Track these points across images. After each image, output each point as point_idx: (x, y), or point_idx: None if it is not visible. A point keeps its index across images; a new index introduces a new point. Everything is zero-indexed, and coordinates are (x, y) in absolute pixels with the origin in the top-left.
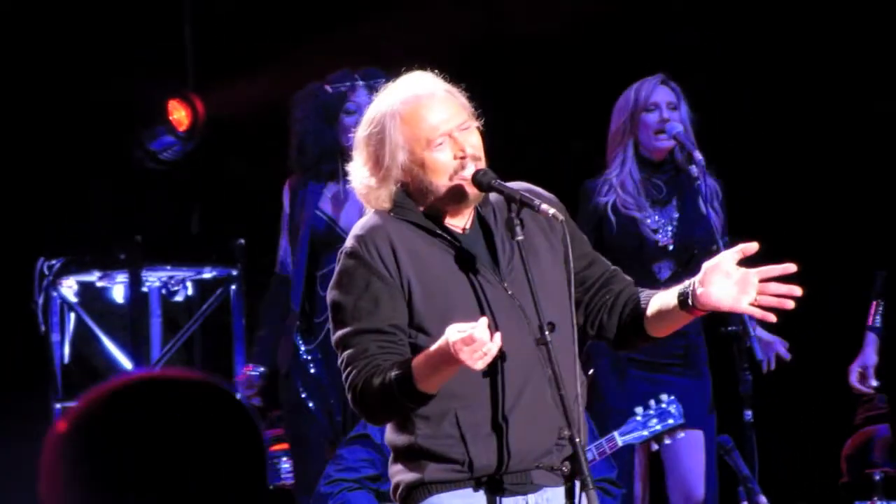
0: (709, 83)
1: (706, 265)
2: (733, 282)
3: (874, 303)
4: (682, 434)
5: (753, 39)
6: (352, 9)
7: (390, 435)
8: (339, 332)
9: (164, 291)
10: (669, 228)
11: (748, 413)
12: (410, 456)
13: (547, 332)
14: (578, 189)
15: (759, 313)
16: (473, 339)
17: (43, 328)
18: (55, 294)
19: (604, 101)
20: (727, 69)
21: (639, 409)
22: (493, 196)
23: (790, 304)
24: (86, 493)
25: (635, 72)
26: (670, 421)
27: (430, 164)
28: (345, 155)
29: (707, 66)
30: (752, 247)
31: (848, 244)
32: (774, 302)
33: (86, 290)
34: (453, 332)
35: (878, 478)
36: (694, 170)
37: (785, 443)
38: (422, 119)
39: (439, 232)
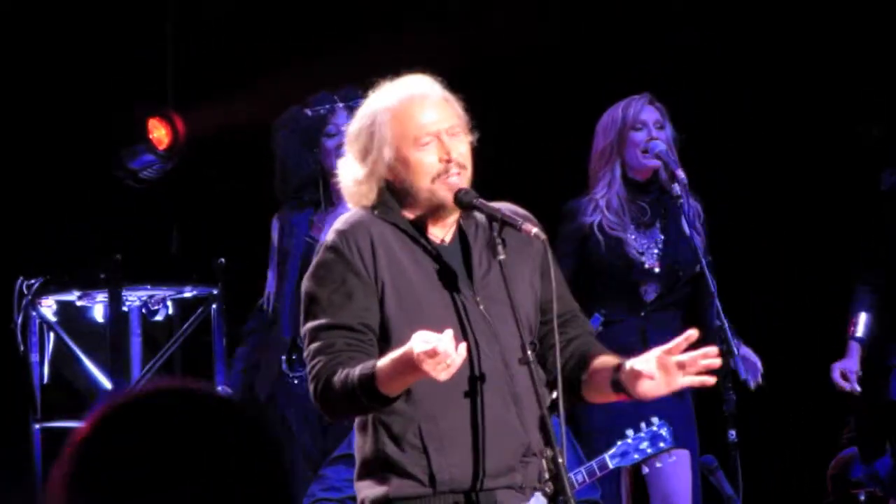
0: (709, 83)
1: (629, 369)
2: (657, 374)
3: (858, 315)
4: (672, 458)
5: (753, 39)
6: (333, 30)
7: (357, 449)
8: (310, 324)
9: (144, 311)
10: (655, 251)
11: (732, 433)
12: (376, 469)
13: (529, 352)
14: (561, 208)
15: (696, 382)
16: (437, 353)
17: (22, 348)
18: (34, 314)
19: (601, 106)
20: (727, 69)
21: (629, 432)
22: (480, 215)
23: (717, 363)
24: None
25: (635, 73)
26: (661, 444)
27: (414, 163)
28: (326, 179)
29: (707, 66)
30: (679, 348)
31: (834, 263)
32: (702, 367)
33: (65, 309)
34: (418, 342)
35: (862, 497)
36: (676, 188)
37: (769, 462)
38: (412, 117)
39: (420, 239)
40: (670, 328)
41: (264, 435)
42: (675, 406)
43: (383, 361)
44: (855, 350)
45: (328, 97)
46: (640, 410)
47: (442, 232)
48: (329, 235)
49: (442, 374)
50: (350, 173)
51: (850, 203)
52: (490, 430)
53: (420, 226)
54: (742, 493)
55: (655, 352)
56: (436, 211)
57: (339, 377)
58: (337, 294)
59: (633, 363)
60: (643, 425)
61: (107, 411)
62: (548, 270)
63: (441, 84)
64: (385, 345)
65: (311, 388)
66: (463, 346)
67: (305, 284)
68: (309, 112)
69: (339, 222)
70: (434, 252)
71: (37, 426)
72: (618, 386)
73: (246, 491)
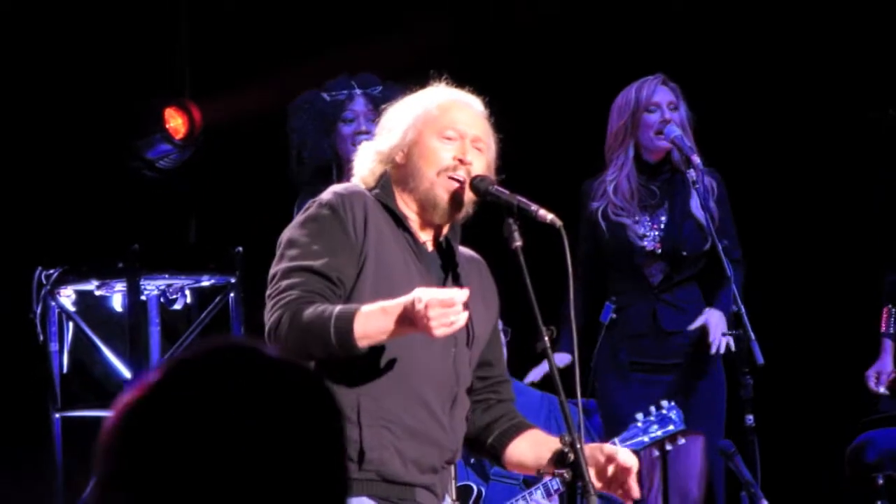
0: (722, 68)
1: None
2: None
3: (886, 308)
4: (682, 440)
5: (753, 40)
6: (350, 16)
7: None
8: (287, 264)
9: (162, 300)
10: (656, 233)
11: (749, 417)
12: None
13: (546, 338)
14: (579, 189)
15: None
16: (454, 303)
17: (41, 338)
18: (53, 303)
19: (603, 100)
20: (742, 54)
21: (639, 416)
22: (465, 251)
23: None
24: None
25: (634, 70)
26: (671, 427)
27: (428, 150)
28: (341, 165)
29: (721, 52)
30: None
31: (853, 246)
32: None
33: (84, 298)
34: (427, 292)
35: (880, 481)
36: (692, 173)
37: (787, 447)
38: (448, 112)
39: (408, 227)
40: (683, 304)
41: (326, 399)
42: (697, 385)
43: (368, 307)
44: (888, 348)
45: (346, 82)
46: (657, 390)
47: (426, 237)
48: (326, 195)
49: (441, 329)
50: (373, 146)
51: (868, 192)
52: (426, 427)
53: (410, 220)
54: (760, 478)
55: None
56: (428, 208)
57: (312, 310)
58: (323, 245)
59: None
60: (653, 408)
61: (157, 379)
62: (497, 334)
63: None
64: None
65: (274, 316)
66: (465, 314)
67: (289, 232)
68: (326, 97)
69: (339, 187)
70: (417, 248)
71: (56, 415)
72: (562, 460)
73: (304, 455)
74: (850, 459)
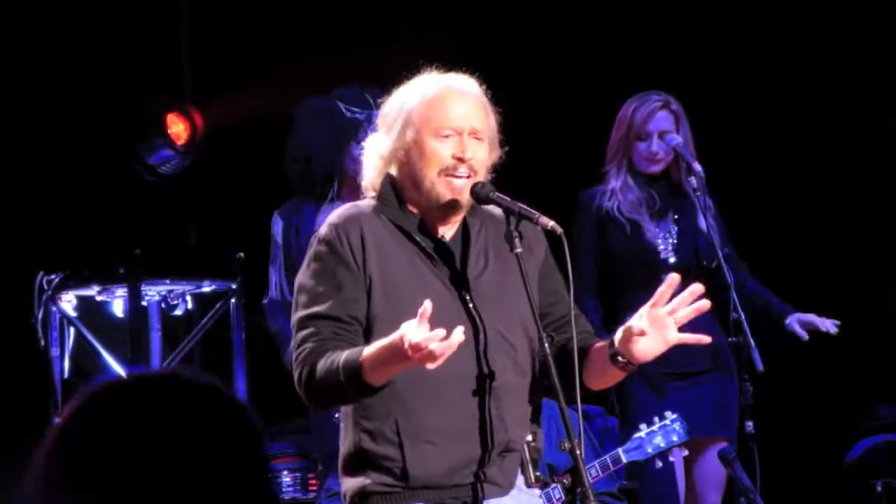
0: (709, 86)
1: (622, 332)
2: (651, 329)
3: None
4: (685, 452)
5: (752, 42)
6: (351, 22)
7: (340, 443)
8: (299, 314)
9: (163, 305)
10: (670, 242)
11: (749, 424)
12: (354, 463)
13: (547, 345)
14: (576, 199)
15: (692, 339)
16: (422, 348)
17: (42, 343)
18: (54, 309)
19: (603, 108)
20: (728, 70)
21: (643, 426)
22: (490, 209)
23: (706, 304)
24: (69, 493)
25: (637, 77)
26: (674, 438)
27: (428, 151)
28: (342, 181)
29: (708, 68)
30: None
31: (853, 252)
32: (691, 311)
33: (85, 304)
34: (412, 332)
35: (879, 488)
36: (693, 181)
37: (786, 453)
38: (442, 107)
39: (415, 237)
40: (695, 322)
41: (245, 421)
42: (724, 386)
43: (370, 349)
44: None
45: (365, 99)
46: (688, 397)
47: (444, 228)
48: (322, 228)
49: (431, 364)
50: (375, 147)
51: (869, 196)
52: (466, 426)
53: (422, 219)
54: (759, 485)
55: (644, 308)
56: (434, 207)
57: (323, 363)
58: (327, 285)
59: (624, 326)
60: (657, 419)
61: (85, 400)
62: (550, 272)
63: (484, 92)
64: (369, 338)
65: (296, 374)
66: (460, 330)
67: (299, 277)
68: (345, 110)
69: (334, 215)
70: (428, 250)
71: (58, 420)
72: (616, 357)
73: (224, 478)
74: (850, 466)
